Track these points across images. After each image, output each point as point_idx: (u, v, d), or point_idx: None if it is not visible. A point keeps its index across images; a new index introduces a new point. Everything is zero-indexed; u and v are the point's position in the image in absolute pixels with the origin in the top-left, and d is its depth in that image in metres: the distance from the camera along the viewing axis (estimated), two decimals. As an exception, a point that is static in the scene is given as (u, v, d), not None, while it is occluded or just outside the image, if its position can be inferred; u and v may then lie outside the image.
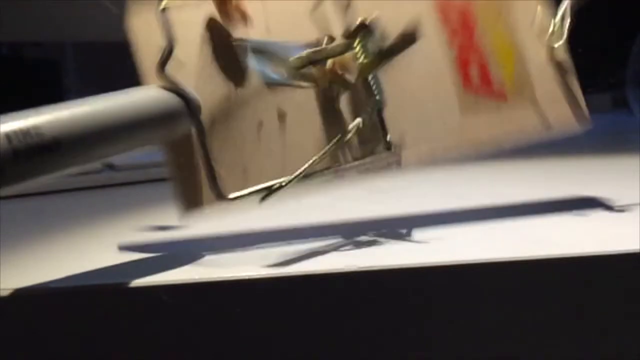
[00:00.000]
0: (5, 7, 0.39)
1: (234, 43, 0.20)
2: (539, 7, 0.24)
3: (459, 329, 0.20)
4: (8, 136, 0.15)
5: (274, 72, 0.20)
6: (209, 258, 0.20)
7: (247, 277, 0.18)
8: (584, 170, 0.32)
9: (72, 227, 0.24)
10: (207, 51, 0.20)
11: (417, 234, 0.22)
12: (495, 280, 0.19)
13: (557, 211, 0.24)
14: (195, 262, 0.19)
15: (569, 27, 0.24)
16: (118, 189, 0.33)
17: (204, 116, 0.19)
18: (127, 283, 0.18)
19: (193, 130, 0.19)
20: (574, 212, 0.24)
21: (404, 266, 0.19)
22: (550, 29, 0.23)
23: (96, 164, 0.17)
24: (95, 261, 0.19)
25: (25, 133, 0.15)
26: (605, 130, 0.47)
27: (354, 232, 0.21)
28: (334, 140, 0.20)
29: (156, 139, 0.18)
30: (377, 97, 0.21)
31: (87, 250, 0.21)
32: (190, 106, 0.18)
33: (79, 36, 0.43)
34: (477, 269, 0.19)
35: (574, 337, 0.20)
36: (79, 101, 0.17)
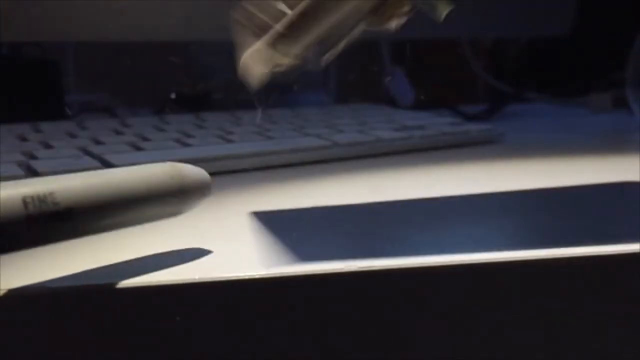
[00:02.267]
0: (5, 7, 0.39)
1: None
2: None
3: (459, 329, 0.20)
4: (25, 201, 0.16)
5: None
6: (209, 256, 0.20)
7: (247, 277, 0.18)
8: (583, 170, 0.32)
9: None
10: None
11: (419, 232, 0.22)
12: (496, 280, 0.19)
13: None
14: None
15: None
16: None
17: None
18: (124, 283, 0.18)
19: None
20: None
21: (404, 266, 0.19)
22: None
23: (106, 233, 0.18)
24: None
25: (41, 200, 0.16)
26: (605, 130, 0.47)
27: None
28: None
29: (167, 213, 0.19)
30: None
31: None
32: (202, 184, 0.20)
33: (79, 36, 0.43)
34: (478, 269, 0.19)
35: (574, 337, 0.20)
36: (95, 172, 0.18)
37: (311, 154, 0.35)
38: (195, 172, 0.20)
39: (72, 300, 0.17)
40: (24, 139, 0.36)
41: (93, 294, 0.17)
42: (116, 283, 0.18)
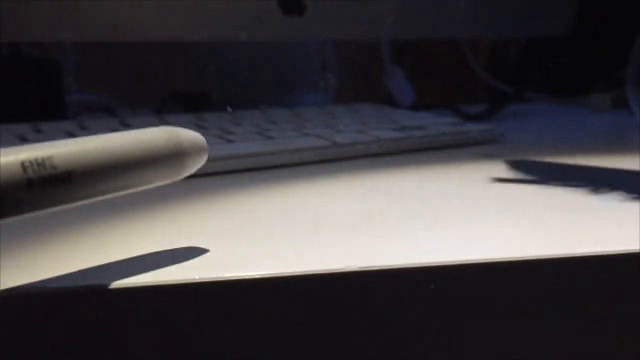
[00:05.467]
0: (5, 7, 0.39)
1: None
2: None
3: (459, 329, 0.20)
4: (23, 165, 0.16)
5: None
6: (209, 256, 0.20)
7: (246, 277, 0.18)
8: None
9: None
10: None
11: (419, 232, 0.22)
12: (495, 280, 0.19)
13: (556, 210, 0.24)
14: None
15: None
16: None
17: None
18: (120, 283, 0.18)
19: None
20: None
21: (405, 266, 0.19)
22: None
23: (107, 198, 0.18)
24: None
25: (39, 164, 0.16)
26: (605, 130, 0.47)
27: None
28: None
29: (165, 177, 0.19)
30: None
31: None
32: (199, 146, 0.20)
33: (79, 36, 0.43)
34: (478, 268, 0.19)
35: (574, 337, 0.20)
36: (92, 137, 0.18)
37: (311, 154, 0.35)
38: (191, 135, 0.20)
39: (64, 301, 0.17)
40: (24, 139, 0.36)
41: (87, 294, 0.17)
42: (119, 281, 0.18)
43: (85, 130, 0.39)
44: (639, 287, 0.20)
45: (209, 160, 0.33)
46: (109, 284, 0.17)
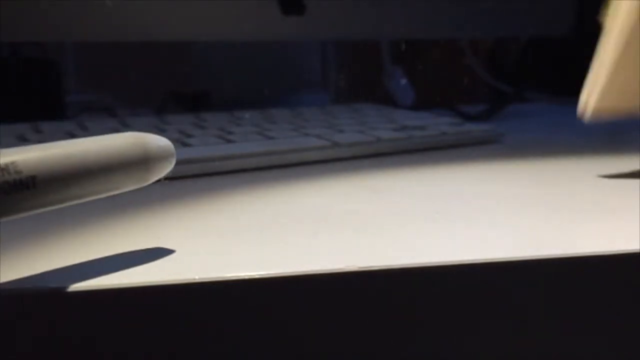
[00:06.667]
0: (5, 7, 0.39)
1: None
2: None
3: (460, 329, 0.20)
4: None
5: None
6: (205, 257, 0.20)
7: (246, 277, 0.18)
8: (584, 170, 0.32)
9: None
10: None
11: (419, 233, 0.22)
12: (496, 280, 0.19)
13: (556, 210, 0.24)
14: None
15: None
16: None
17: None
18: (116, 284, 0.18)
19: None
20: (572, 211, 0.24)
21: (405, 266, 0.19)
22: None
23: (69, 204, 0.18)
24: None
25: (3, 169, 0.16)
26: (605, 130, 0.47)
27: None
28: None
29: (132, 183, 0.19)
30: None
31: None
32: (166, 152, 0.20)
33: (79, 36, 0.43)
34: (478, 268, 0.19)
35: (574, 337, 0.20)
36: (58, 142, 0.18)
37: (311, 154, 0.35)
38: (158, 141, 0.20)
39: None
40: (24, 139, 0.36)
41: (91, 294, 0.17)
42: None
43: (85, 131, 0.39)
44: (639, 287, 0.20)
45: (209, 160, 0.33)
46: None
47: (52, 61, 0.53)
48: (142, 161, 0.19)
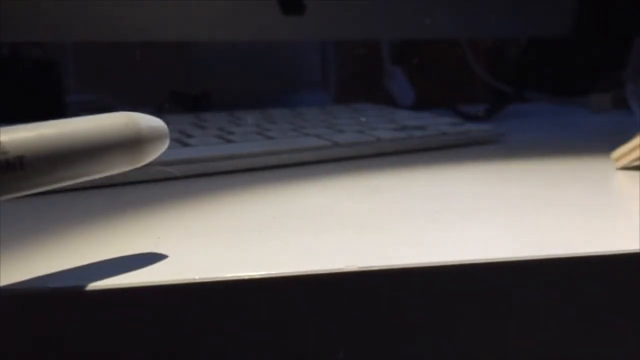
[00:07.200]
0: (5, 7, 0.39)
1: None
2: None
3: (459, 328, 0.20)
4: None
5: None
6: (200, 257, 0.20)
7: (246, 277, 0.18)
8: (584, 170, 0.32)
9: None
10: None
11: (419, 233, 0.22)
12: (496, 280, 0.19)
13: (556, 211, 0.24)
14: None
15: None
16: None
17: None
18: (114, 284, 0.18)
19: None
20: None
21: (405, 266, 0.19)
22: None
23: (61, 186, 0.18)
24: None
25: None
26: (605, 130, 0.47)
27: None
28: None
29: (124, 164, 0.19)
30: None
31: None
32: (159, 132, 0.19)
33: (79, 36, 0.43)
34: (478, 268, 0.19)
35: (574, 337, 0.20)
36: (48, 122, 0.17)
37: (311, 154, 0.35)
38: (151, 121, 0.19)
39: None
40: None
41: (90, 294, 0.17)
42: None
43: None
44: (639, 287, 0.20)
45: (209, 160, 0.33)
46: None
47: (52, 61, 0.53)
48: (135, 141, 0.18)
